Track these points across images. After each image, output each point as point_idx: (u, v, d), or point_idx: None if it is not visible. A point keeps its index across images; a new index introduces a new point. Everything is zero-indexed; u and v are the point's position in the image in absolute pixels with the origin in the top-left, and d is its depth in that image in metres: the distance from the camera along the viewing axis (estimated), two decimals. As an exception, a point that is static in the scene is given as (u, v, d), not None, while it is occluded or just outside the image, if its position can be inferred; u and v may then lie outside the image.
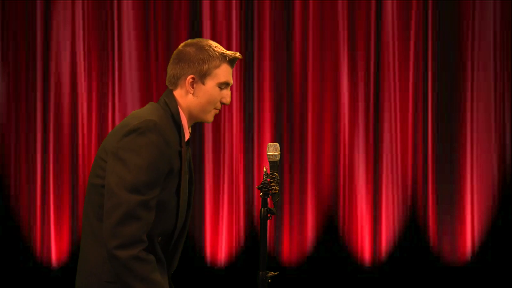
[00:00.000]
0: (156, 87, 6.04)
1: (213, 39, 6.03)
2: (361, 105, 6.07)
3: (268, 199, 2.88)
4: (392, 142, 6.07)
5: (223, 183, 6.02)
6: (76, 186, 6.00)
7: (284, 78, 6.09)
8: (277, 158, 2.91)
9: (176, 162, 2.69)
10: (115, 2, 6.03)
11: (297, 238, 6.06)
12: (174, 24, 6.04)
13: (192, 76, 2.74)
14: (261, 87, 6.06)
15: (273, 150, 2.91)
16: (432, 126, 6.07)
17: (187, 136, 2.78)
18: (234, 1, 6.06)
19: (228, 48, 5.97)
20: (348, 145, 6.06)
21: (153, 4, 6.04)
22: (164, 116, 2.71)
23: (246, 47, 6.06)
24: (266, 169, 2.89)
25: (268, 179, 2.87)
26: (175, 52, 2.80)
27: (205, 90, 2.75)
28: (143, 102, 6.03)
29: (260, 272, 2.89)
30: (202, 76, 2.74)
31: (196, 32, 6.05)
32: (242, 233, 6.06)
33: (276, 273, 2.92)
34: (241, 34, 6.08)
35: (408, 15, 6.07)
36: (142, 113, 2.70)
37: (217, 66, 2.75)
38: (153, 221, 2.65)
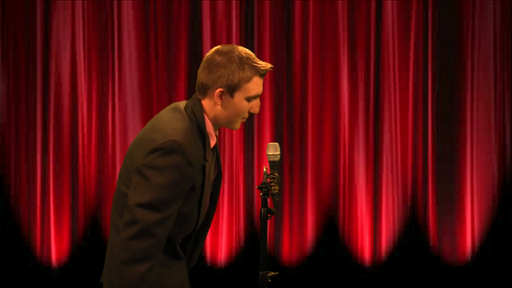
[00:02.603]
0: (156, 87, 6.04)
1: (213, 39, 6.03)
2: (361, 105, 6.06)
3: (268, 199, 2.87)
4: (392, 142, 6.06)
5: (223, 183, 6.02)
6: (76, 186, 6.00)
7: (284, 78, 6.08)
8: (277, 158, 2.90)
9: (199, 177, 2.70)
10: (115, 2, 6.02)
11: (297, 238, 6.06)
12: (174, 24, 6.04)
13: (221, 89, 2.69)
14: (261, 87, 6.05)
15: (273, 150, 2.90)
16: (432, 126, 6.07)
17: (213, 143, 2.77)
18: (234, 1, 6.06)
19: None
20: (348, 145, 6.06)
21: (153, 4, 6.04)
22: (189, 129, 2.68)
23: (246, 47, 6.04)
24: (266, 169, 2.89)
25: (268, 179, 2.87)
26: (205, 58, 2.75)
27: (233, 103, 2.71)
28: (143, 102, 6.02)
29: (260, 272, 2.88)
30: (231, 90, 2.70)
31: (196, 32, 6.05)
32: (242, 233, 6.06)
33: (276, 273, 2.92)
34: (241, 34, 6.07)
35: (408, 15, 6.07)
36: (168, 126, 2.67)
37: (247, 80, 2.71)
38: (174, 230, 2.69)
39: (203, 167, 2.70)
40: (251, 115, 2.80)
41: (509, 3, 6.05)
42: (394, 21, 6.07)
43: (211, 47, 6.01)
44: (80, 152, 5.99)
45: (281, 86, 6.09)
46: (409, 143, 6.07)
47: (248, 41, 6.07)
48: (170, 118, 2.71)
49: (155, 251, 2.61)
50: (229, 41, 6.05)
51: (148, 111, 6.02)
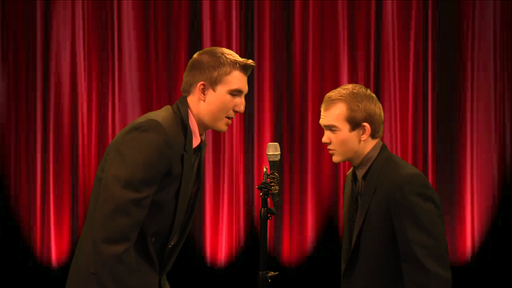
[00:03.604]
0: (156, 87, 6.04)
1: (213, 39, 6.03)
2: (361, 105, 6.06)
3: (268, 199, 2.88)
4: (392, 142, 6.06)
5: (223, 183, 6.02)
6: (76, 186, 6.00)
7: (284, 78, 6.08)
8: (277, 158, 2.91)
9: (177, 164, 2.70)
10: (115, 2, 6.03)
11: (297, 238, 6.06)
12: (174, 24, 6.04)
13: (202, 82, 2.76)
14: (261, 87, 6.06)
15: (273, 150, 2.91)
16: (432, 126, 6.07)
17: (196, 142, 2.79)
18: (234, 1, 6.06)
19: (228, 49, 5.98)
20: (348, 145, 6.05)
21: (153, 4, 6.04)
22: (172, 118, 2.72)
23: (246, 47, 6.05)
24: (266, 169, 2.90)
25: (268, 179, 2.87)
26: (190, 60, 2.82)
27: (216, 97, 2.76)
28: (143, 102, 6.03)
29: (260, 272, 2.89)
30: (212, 83, 2.76)
31: (196, 32, 6.05)
32: (242, 233, 6.06)
33: (276, 273, 2.92)
34: (241, 34, 6.08)
35: (408, 15, 6.07)
36: (151, 113, 2.73)
37: (228, 73, 2.77)
38: (147, 220, 2.66)
39: (182, 157, 2.71)
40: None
41: (509, 3, 6.05)
42: (394, 21, 6.07)
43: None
44: (80, 152, 6.00)
45: (281, 86, 6.09)
46: (409, 143, 6.07)
47: (248, 41, 6.07)
48: (156, 111, 2.77)
49: (131, 233, 2.59)
50: (229, 41, 6.05)
51: (148, 111, 6.01)
